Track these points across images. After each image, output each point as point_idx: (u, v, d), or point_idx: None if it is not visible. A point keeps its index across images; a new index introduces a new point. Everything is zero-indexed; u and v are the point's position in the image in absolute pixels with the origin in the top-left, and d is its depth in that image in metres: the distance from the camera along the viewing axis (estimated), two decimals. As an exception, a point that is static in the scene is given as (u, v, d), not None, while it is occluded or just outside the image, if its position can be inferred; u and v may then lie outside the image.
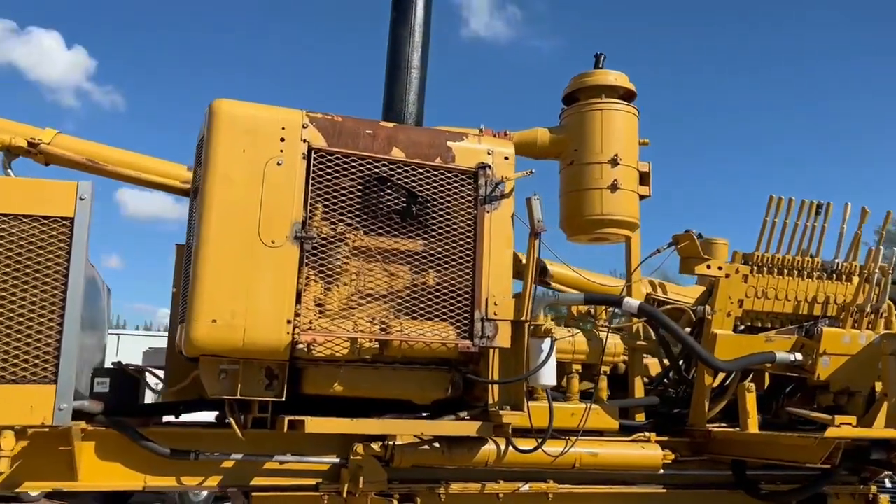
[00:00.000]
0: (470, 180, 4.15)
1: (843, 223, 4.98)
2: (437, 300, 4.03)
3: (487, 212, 4.12)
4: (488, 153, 4.18)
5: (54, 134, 4.86)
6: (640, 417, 4.96)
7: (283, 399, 3.89)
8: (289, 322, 3.72)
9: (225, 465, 4.15)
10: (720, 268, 4.76)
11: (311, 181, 3.84)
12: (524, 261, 5.52)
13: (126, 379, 4.32)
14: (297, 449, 4.22)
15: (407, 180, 4.02)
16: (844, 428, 4.16)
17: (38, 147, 4.70)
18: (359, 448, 4.14)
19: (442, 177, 4.08)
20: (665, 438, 4.85)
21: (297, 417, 3.85)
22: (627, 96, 5.08)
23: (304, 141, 3.86)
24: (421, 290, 4.04)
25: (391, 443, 4.15)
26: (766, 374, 5.14)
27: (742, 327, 4.99)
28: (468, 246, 4.09)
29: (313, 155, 3.87)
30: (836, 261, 5.04)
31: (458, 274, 4.08)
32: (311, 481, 4.23)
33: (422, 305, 4.02)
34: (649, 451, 4.65)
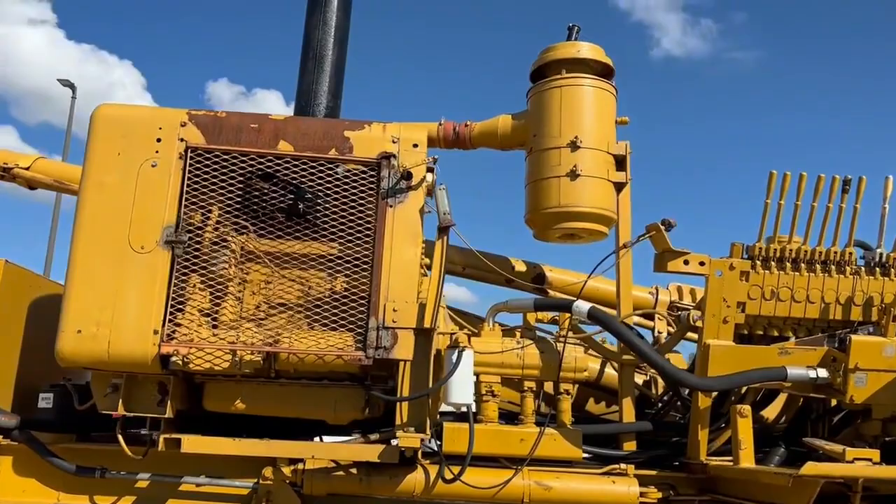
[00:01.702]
0: (372, 172, 3.69)
1: (884, 202, 3.90)
2: (334, 308, 3.60)
3: (390, 206, 3.64)
4: (393, 141, 3.71)
5: (34, 159, 5.03)
6: (631, 446, 4.15)
7: (169, 416, 3.63)
8: (155, 332, 3.47)
9: (139, 486, 3.96)
10: (703, 263, 3.88)
11: (186, 182, 3.60)
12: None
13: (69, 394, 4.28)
14: (216, 471, 3.94)
15: (296, 176, 3.65)
16: (824, 465, 3.16)
17: (11, 171, 4.86)
18: (267, 472, 3.79)
19: (336, 170, 3.66)
20: (653, 472, 4.01)
21: (175, 436, 3.57)
22: (604, 72, 4.34)
23: (182, 140, 3.63)
24: (316, 298, 3.64)
25: (301, 467, 3.75)
26: (792, 397, 4.14)
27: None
28: (367, 246, 3.63)
29: (190, 154, 3.62)
30: (879, 250, 3.95)
31: (356, 278, 3.63)
32: (228, 506, 3.93)
33: (316, 314, 3.61)
34: (620, 488, 3.85)
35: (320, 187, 3.65)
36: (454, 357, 3.54)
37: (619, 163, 4.20)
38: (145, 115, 3.68)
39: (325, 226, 3.63)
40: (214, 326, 3.62)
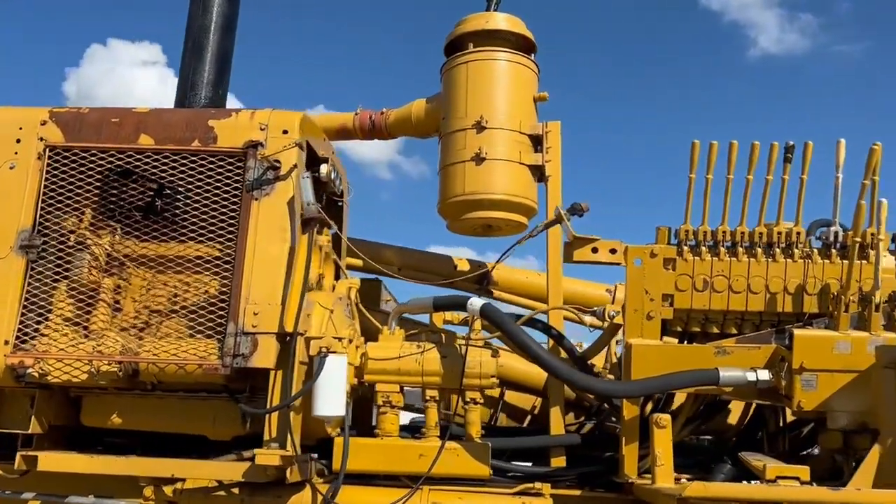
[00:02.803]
0: (240, 163, 3.39)
1: (837, 171, 3.27)
2: (198, 313, 3.31)
3: (255, 199, 3.33)
4: (261, 128, 3.39)
5: None
6: (560, 462, 3.65)
7: (33, 432, 3.41)
8: (6, 342, 3.27)
9: (30, 506, 3.78)
10: (614, 250, 3.37)
11: (44, 183, 3.39)
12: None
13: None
14: (107, 490, 3.71)
15: (156, 171, 3.39)
16: (695, 485, 2.60)
17: None
18: (147, 491, 3.51)
19: (200, 162, 3.38)
20: (576, 493, 3.52)
21: (32, 453, 3.35)
22: (523, 46, 3.89)
23: (41, 139, 3.44)
24: (183, 303, 3.36)
25: (181, 486, 3.46)
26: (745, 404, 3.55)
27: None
28: (230, 244, 3.32)
29: (48, 153, 3.42)
30: (833, 229, 3.33)
31: (222, 280, 3.33)
32: (117, 527, 3.69)
33: (182, 321, 3.33)
34: (530, 510, 3.37)
35: (181, 182, 3.37)
36: (324, 366, 3.17)
37: (537, 144, 3.74)
38: (6, 116, 3.51)
39: (186, 224, 3.35)
40: (87, 335, 3.40)
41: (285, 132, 3.39)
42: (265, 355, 3.18)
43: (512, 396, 4.84)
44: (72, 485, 3.70)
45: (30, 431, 3.40)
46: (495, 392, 4.61)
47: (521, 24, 3.92)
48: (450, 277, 4.46)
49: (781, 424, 3.55)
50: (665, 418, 3.15)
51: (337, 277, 4.13)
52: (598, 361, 4.01)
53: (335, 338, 3.25)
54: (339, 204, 4.24)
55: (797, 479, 2.77)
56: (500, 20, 3.88)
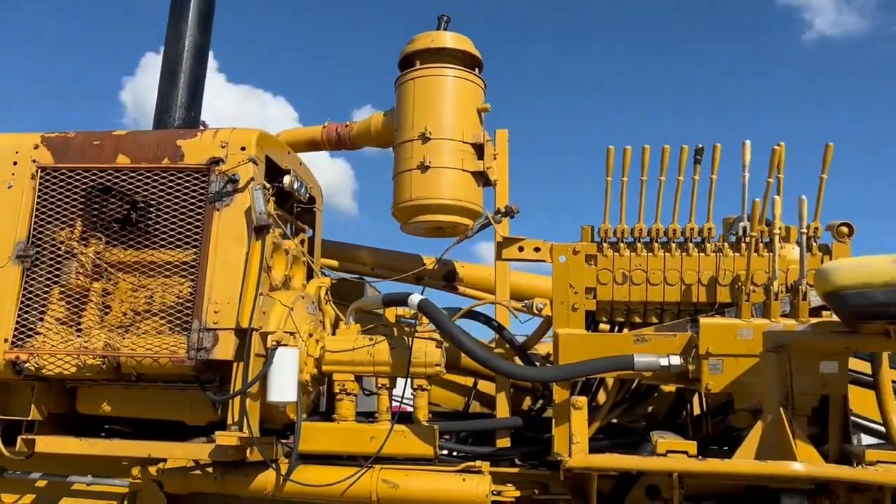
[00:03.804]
0: (204, 178, 3.81)
1: (744, 170, 3.53)
2: (168, 311, 3.74)
3: (217, 210, 3.73)
4: (222, 146, 3.80)
5: None
6: (505, 443, 3.98)
7: (33, 419, 3.89)
8: (6, 341, 3.74)
9: (38, 485, 4.27)
10: (538, 249, 3.68)
11: (36, 200, 3.86)
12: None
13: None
14: (104, 471, 4.18)
15: (132, 187, 3.83)
16: (582, 456, 2.89)
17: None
18: (135, 471, 3.97)
19: (170, 178, 3.81)
20: (514, 470, 3.84)
21: (31, 437, 3.82)
22: (470, 63, 4.22)
23: (34, 161, 3.91)
24: (155, 302, 3.79)
25: (163, 466, 3.91)
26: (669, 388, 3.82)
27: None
28: (196, 250, 3.74)
29: (40, 173, 3.89)
30: (742, 224, 3.58)
31: (187, 282, 3.75)
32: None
33: (154, 318, 3.76)
34: (469, 485, 3.71)
35: (154, 196, 3.80)
36: (275, 357, 3.56)
37: (480, 152, 4.08)
38: (4, 141, 3.99)
39: (157, 233, 3.78)
40: (80, 334, 3.86)
41: (243, 149, 3.78)
42: (224, 349, 3.58)
43: (484, 385, 5.18)
44: (74, 467, 4.18)
45: (30, 418, 3.87)
46: (469, 381, 4.96)
47: (468, 42, 4.24)
48: (419, 275, 4.83)
49: (705, 409, 3.81)
50: (581, 401, 3.45)
51: (310, 278, 4.53)
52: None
53: (287, 332, 3.64)
54: (314, 210, 4.65)
55: (685, 452, 3.05)
56: (447, 39, 4.22)
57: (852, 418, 3.46)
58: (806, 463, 2.92)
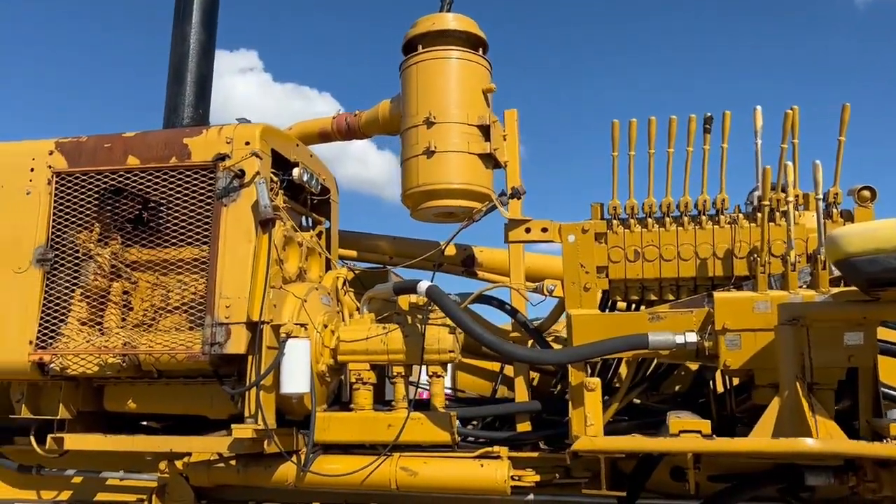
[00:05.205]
0: (212, 175, 3.84)
1: (756, 137, 3.39)
2: (184, 308, 3.79)
3: (224, 205, 3.76)
4: (227, 142, 3.82)
5: None
6: (525, 428, 3.94)
7: (62, 417, 3.99)
8: (31, 343, 3.84)
9: (74, 481, 4.40)
10: (545, 229, 3.60)
11: (53, 204, 3.95)
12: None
13: None
14: (135, 466, 4.29)
15: (143, 187, 3.88)
16: (587, 439, 2.81)
17: None
18: (162, 465, 4.06)
19: (178, 177, 3.85)
20: (534, 455, 3.79)
21: (59, 435, 3.93)
22: (474, 43, 4.14)
23: (50, 167, 3.99)
24: (172, 300, 3.85)
25: (188, 460, 3.98)
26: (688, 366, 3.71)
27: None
28: (205, 247, 3.77)
29: (55, 178, 3.97)
30: (757, 192, 3.44)
31: (201, 278, 3.79)
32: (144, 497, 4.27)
33: (174, 316, 3.82)
34: (487, 471, 3.67)
35: (164, 195, 3.85)
36: (285, 349, 3.58)
37: (486, 134, 4.01)
38: (21, 149, 4.08)
39: (168, 232, 3.83)
40: (102, 334, 3.95)
41: (247, 143, 3.79)
42: (237, 342, 3.61)
43: (511, 370, 5.13)
44: (107, 464, 4.30)
45: (59, 416, 3.98)
46: (496, 366, 4.93)
47: (471, 23, 4.17)
48: (438, 262, 4.80)
49: (729, 387, 3.68)
50: (594, 382, 3.38)
51: (328, 269, 4.54)
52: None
53: (298, 324, 3.65)
54: (330, 201, 4.65)
55: (699, 432, 2.95)
56: (449, 20, 4.15)
57: (884, 390, 3.31)
58: (819, 439, 2.79)
